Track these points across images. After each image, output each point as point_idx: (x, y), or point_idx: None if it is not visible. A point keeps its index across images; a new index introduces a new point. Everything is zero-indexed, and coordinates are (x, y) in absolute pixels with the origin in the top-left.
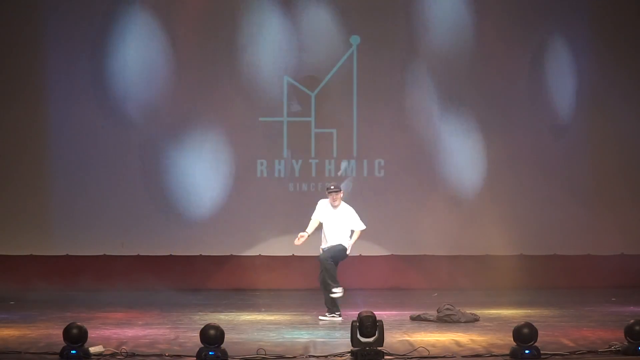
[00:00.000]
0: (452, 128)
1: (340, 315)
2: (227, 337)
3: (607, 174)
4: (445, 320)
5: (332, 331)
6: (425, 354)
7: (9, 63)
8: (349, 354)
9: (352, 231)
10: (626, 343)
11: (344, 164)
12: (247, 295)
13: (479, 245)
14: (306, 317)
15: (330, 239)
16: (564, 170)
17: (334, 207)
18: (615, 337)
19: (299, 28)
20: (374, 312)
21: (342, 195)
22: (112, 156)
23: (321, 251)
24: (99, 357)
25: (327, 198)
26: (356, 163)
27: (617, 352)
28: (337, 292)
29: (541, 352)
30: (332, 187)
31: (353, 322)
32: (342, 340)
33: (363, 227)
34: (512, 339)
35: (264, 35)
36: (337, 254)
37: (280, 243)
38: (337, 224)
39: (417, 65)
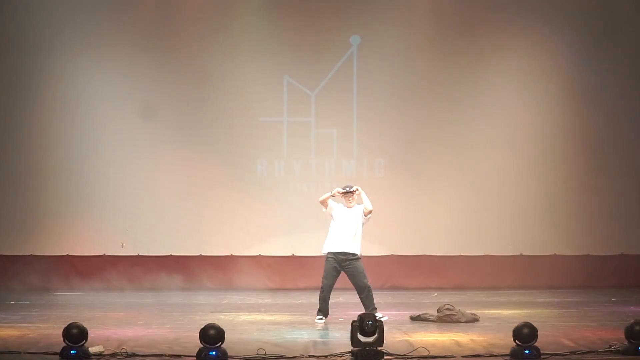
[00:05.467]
0: (452, 128)
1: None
2: (227, 337)
3: (607, 174)
4: (445, 320)
5: (332, 331)
6: (425, 354)
7: (8, 65)
8: (349, 354)
9: (360, 242)
10: (626, 343)
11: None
12: (247, 295)
13: (479, 245)
14: (306, 317)
15: (341, 241)
16: (564, 170)
17: (349, 207)
18: (615, 337)
19: (299, 28)
20: None
21: (357, 194)
22: (112, 157)
23: (327, 253)
24: (99, 357)
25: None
26: (356, 163)
27: (617, 352)
28: (384, 317)
29: (541, 352)
30: (348, 188)
31: (353, 322)
32: (342, 340)
33: (370, 207)
34: (512, 339)
35: (264, 36)
36: (364, 271)
37: (280, 243)
38: (349, 224)
39: (417, 65)
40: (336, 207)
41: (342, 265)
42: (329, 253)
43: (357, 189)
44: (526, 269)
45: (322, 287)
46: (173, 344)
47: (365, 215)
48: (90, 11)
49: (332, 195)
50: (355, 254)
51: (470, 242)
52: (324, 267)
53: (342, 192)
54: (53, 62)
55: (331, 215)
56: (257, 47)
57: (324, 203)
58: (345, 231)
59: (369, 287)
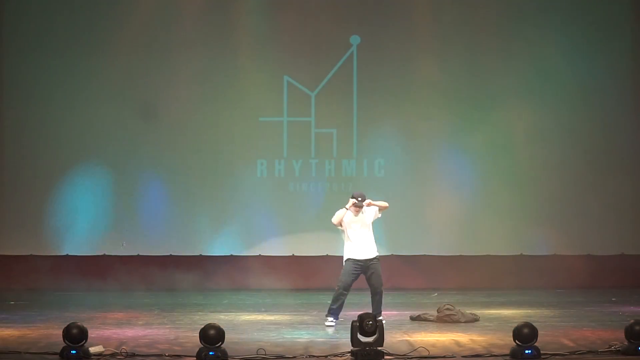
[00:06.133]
0: (451, 128)
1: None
2: (227, 337)
3: (607, 174)
4: (445, 320)
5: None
6: (425, 354)
7: (8, 65)
8: (349, 354)
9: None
10: (626, 343)
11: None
12: (247, 295)
13: (479, 245)
14: (306, 317)
15: (362, 248)
16: (564, 170)
17: (356, 214)
18: (615, 337)
19: (299, 28)
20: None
21: (366, 203)
22: (112, 156)
23: (348, 259)
24: (99, 357)
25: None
26: (356, 163)
27: (617, 352)
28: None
29: (541, 352)
30: (359, 199)
31: (353, 322)
32: (342, 340)
33: (386, 204)
34: (512, 339)
35: (263, 36)
36: (381, 275)
37: (280, 243)
38: (363, 229)
39: (417, 65)
40: (346, 216)
41: (364, 269)
42: (350, 259)
43: (368, 202)
44: (526, 269)
45: (339, 286)
46: (173, 344)
47: (379, 213)
48: (91, 11)
49: (347, 209)
50: (376, 257)
51: (470, 242)
52: (344, 268)
53: (355, 206)
54: (53, 62)
55: (344, 224)
56: (257, 47)
57: (340, 221)
58: (363, 237)
59: (382, 291)
